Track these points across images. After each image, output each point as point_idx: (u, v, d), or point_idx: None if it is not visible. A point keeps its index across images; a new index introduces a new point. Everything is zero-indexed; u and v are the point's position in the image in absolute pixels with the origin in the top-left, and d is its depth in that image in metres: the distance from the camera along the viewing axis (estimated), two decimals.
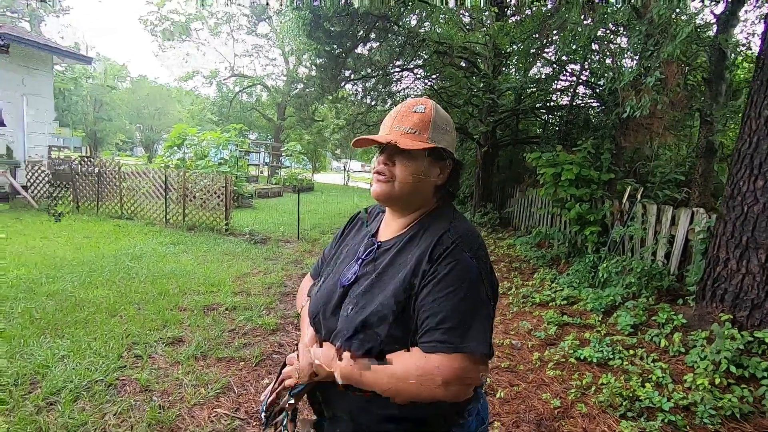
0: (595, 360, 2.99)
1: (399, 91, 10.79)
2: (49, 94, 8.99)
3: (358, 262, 0.99)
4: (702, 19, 5.95)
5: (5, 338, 2.76)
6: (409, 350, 0.85)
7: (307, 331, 1.00)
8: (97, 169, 7.66)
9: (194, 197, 7.21)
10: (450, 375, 0.79)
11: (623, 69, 4.47)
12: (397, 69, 9.62)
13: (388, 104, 10.38)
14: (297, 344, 1.06)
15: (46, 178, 7.84)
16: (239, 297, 3.98)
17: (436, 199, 1.00)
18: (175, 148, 11.38)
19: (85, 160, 9.31)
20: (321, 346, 0.93)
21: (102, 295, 3.67)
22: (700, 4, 6.46)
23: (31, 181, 7.85)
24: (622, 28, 5.94)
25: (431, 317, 0.83)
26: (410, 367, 0.81)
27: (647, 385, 2.61)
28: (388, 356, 0.85)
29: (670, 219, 4.20)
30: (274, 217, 9.21)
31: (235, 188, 8.84)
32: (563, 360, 3.03)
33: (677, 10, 3.61)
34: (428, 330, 0.83)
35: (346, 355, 0.87)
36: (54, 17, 25.55)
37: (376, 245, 1.00)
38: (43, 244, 5.18)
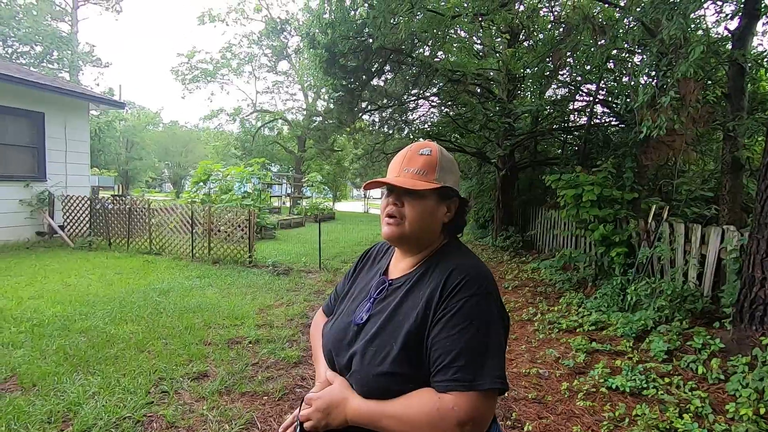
0: (627, 389, 2.86)
1: (415, 120, 10.98)
2: (86, 137, 9.56)
3: (371, 301, 1.01)
4: (717, 33, 5.91)
5: (41, 375, 2.86)
6: (422, 389, 0.85)
7: (322, 368, 1.03)
8: (128, 207, 8.01)
9: (219, 231, 7.42)
10: (466, 415, 0.79)
11: (639, 88, 4.44)
12: (413, 98, 9.84)
13: (405, 132, 10.57)
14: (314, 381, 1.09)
15: (84, 218, 8.23)
16: (262, 330, 4.02)
17: (444, 235, 1.03)
18: (201, 183, 11.81)
19: (117, 198, 9.75)
20: (331, 379, 0.96)
21: (131, 331, 3.78)
22: (714, 18, 6.42)
23: (68, 221, 8.26)
24: (637, 47, 5.95)
25: (444, 355, 0.83)
26: (425, 408, 0.81)
27: (685, 416, 2.48)
28: (401, 397, 0.85)
29: (699, 238, 4.06)
30: (297, 247, 9.34)
31: (258, 220, 9.05)
32: (594, 390, 2.91)
33: (689, 29, 3.61)
34: (441, 368, 0.83)
35: (359, 399, 0.88)
36: (91, 66, 27.40)
37: (387, 283, 1.03)
38: (77, 281, 5.40)
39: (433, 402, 0.81)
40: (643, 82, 5.66)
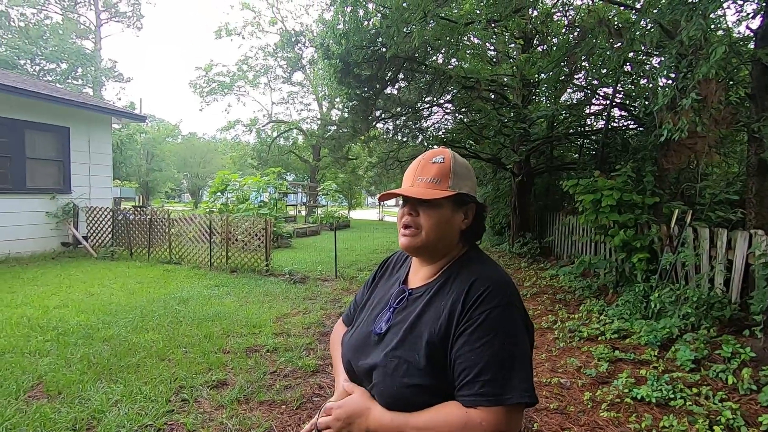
0: (653, 400, 2.77)
1: (429, 127, 10.99)
2: (109, 150, 9.85)
3: (390, 311, 1.00)
4: (739, 32, 5.77)
5: (66, 383, 2.93)
6: (448, 403, 0.84)
7: (342, 378, 1.02)
8: (148, 217, 8.19)
9: (236, 240, 7.52)
10: (493, 430, 0.77)
11: (658, 90, 4.36)
12: (426, 105, 9.86)
13: (419, 139, 10.59)
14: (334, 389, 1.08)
15: (106, 229, 8.45)
16: (280, 338, 4.04)
17: (464, 243, 1.02)
18: (219, 193, 12.01)
19: (138, 209, 9.99)
20: (350, 391, 0.95)
21: (152, 339, 3.84)
22: (735, 17, 6.27)
23: (91, 231, 8.49)
24: (654, 49, 5.85)
25: (469, 368, 0.82)
26: (452, 423, 0.80)
27: (716, 428, 2.39)
28: (427, 410, 0.84)
29: (725, 242, 3.94)
30: (312, 255, 9.39)
31: (274, 229, 9.14)
32: (618, 400, 2.83)
33: (709, 30, 3.53)
34: (467, 382, 0.81)
35: (381, 410, 0.87)
36: (113, 82, 28.32)
37: (407, 293, 1.01)
38: (100, 291, 5.53)
39: (460, 417, 0.80)
40: (661, 84, 5.56)
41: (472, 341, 0.83)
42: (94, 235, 8.48)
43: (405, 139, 10.76)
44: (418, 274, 1.04)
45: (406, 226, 0.97)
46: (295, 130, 24.28)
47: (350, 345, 1.04)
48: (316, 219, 17.19)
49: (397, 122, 10.24)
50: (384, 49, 7.04)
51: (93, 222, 8.50)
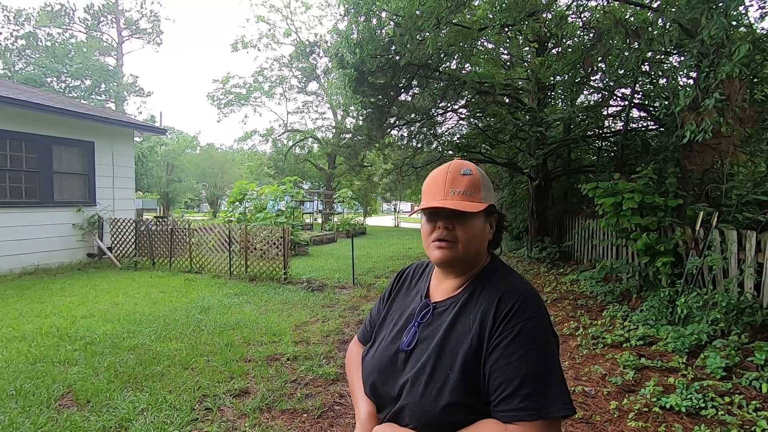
0: (683, 409, 2.68)
1: (444, 133, 10.98)
2: (132, 163, 10.13)
3: (416, 326, 0.97)
4: (762, 29, 5.62)
5: (94, 392, 3.00)
6: (485, 421, 0.82)
7: (362, 406, 0.98)
8: (170, 228, 8.37)
9: (255, 248, 7.62)
10: None
11: (678, 90, 4.26)
12: (441, 111, 9.85)
13: (434, 145, 10.57)
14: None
15: (129, 239, 8.68)
16: (300, 346, 4.06)
17: (487, 253, 1.01)
18: (237, 203, 12.21)
19: (160, 219, 10.22)
20: (378, 422, 0.91)
21: (175, 348, 3.91)
22: (758, 13, 6.12)
23: (116, 242, 8.72)
24: (673, 48, 5.74)
25: (506, 383, 0.81)
26: None
27: None
28: (462, 430, 0.82)
29: (755, 245, 3.81)
30: (330, 263, 9.44)
31: (291, 237, 9.23)
32: (646, 409, 2.75)
33: (731, 28, 3.45)
34: (505, 397, 0.80)
35: None
36: (135, 96, 29.18)
37: (431, 307, 0.99)
38: (125, 301, 5.67)
39: None
40: (682, 84, 5.44)
41: (507, 355, 0.82)
42: (118, 245, 8.71)
43: (420, 146, 10.75)
44: (441, 287, 1.02)
45: (440, 239, 0.94)
46: (310, 139, 24.54)
47: (373, 364, 1.00)
48: (332, 226, 17.29)
49: (412, 129, 10.25)
50: (398, 57, 7.08)
51: (117, 233, 8.73)
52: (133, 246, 8.66)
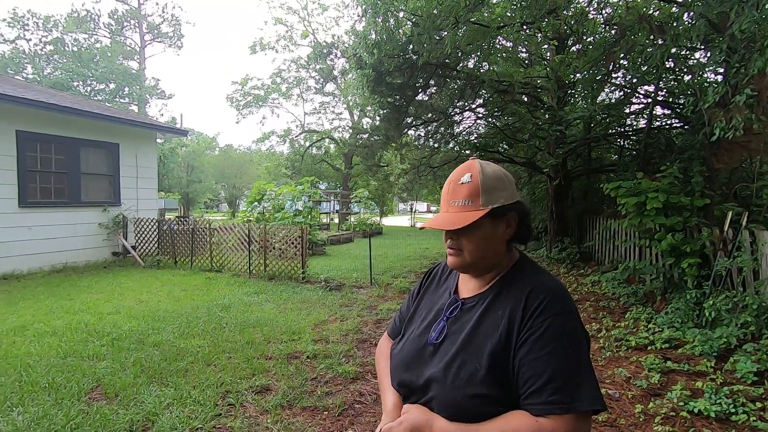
0: (712, 414, 2.61)
1: (461, 132, 10.91)
2: (155, 164, 10.38)
3: (445, 320, 0.99)
4: None
5: (122, 386, 3.09)
6: (515, 412, 0.83)
7: (389, 397, 1.00)
8: (191, 227, 8.55)
9: (273, 248, 7.71)
10: None
11: (706, 87, 4.15)
12: (458, 111, 9.80)
13: (451, 145, 10.52)
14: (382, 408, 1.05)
15: (153, 239, 8.90)
16: (319, 345, 4.10)
17: (513, 251, 1.01)
18: (256, 203, 12.38)
19: (181, 219, 10.44)
20: (404, 411, 0.93)
21: (198, 345, 3.99)
22: None
23: (139, 241, 8.95)
24: (699, 43, 5.58)
25: (535, 377, 0.81)
26: None
27: None
28: (494, 420, 0.83)
29: None
30: (347, 263, 9.48)
31: (309, 237, 9.31)
32: (673, 413, 2.69)
33: (763, 20, 3.34)
34: (535, 391, 0.81)
35: (445, 421, 0.86)
36: (156, 99, 29.88)
37: (460, 303, 1.01)
38: (149, 298, 5.81)
39: (531, 426, 0.79)
40: (709, 80, 5.29)
41: (536, 349, 0.83)
42: (142, 244, 8.94)
43: (437, 145, 10.72)
44: (469, 284, 1.03)
45: (449, 248, 0.98)
46: (327, 140, 24.71)
47: (402, 357, 1.02)
48: (349, 226, 17.38)
49: (429, 128, 10.22)
50: (415, 57, 7.07)
51: (140, 232, 8.96)
52: (156, 245, 8.87)
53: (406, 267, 8.91)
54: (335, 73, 22.28)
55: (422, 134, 10.66)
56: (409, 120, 9.47)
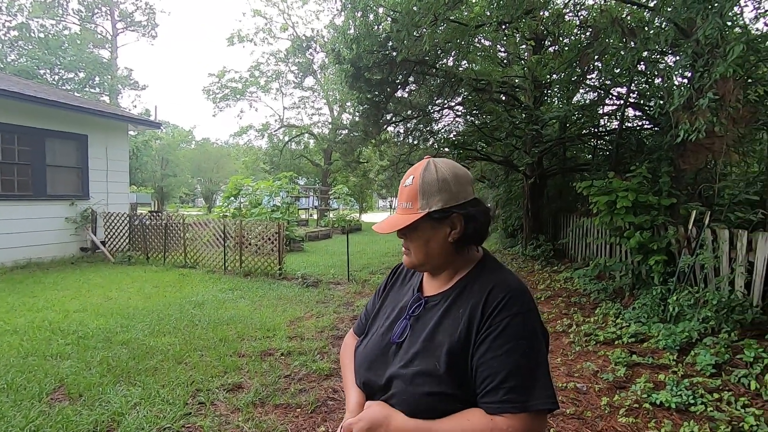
0: (673, 405, 2.72)
1: (440, 130, 10.97)
2: (126, 157, 10.05)
3: (407, 318, 1.00)
4: (757, 29, 5.65)
5: (87, 386, 2.99)
6: (472, 410, 0.84)
7: (352, 395, 1.01)
8: (164, 222, 8.33)
9: (250, 244, 7.60)
10: None
11: (673, 90, 4.29)
12: (437, 108, 9.84)
13: (430, 142, 10.56)
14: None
15: (123, 234, 8.62)
16: (294, 342, 4.07)
17: (466, 251, 0.99)
18: (232, 198, 12.16)
19: (155, 214, 10.16)
20: (366, 407, 0.94)
21: (169, 343, 3.90)
22: (753, 14, 6.16)
23: (109, 236, 8.67)
24: (669, 48, 5.76)
25: (492, 375, 0.82)
26: (477, 430, 0.81)
27: None
28: (450, 417, 0.84)
29: (746, 244, 3.85)
30: (325, 259, 9.43)
31: (286, 233, 9.21)
32: (636, 405, 2.79)
33: (726, 28, 3.47)
34: (491, 389, 0.82)
35: (403, 417, 0.86)
36: (129, 89, 28.90)
37: (423, 301, 1.01)
38: (118, 295, 5.64)
39: (486, 424, 0.80)
40: (677, 83, 5.47)
41: (494, 348, 0.84)
42: (112, 240, 8.66)
43: (416, 142, 10.74)
44: (433, 283, 1.04)
45: (403, 246, 1.02)
46: (306, 135, 24.48)
47: (365, 355, 1.03)
48: (327, 222, 17.28)
49: (408, 125, 10.23)
50: (395, 53, 7.05)
51: (110, 227, 8.67)
52: (126, 240, 8.61)
53: (384, 263, 8.93)
54: (315, 67, 22.08)
55: (401, 131, 10.66)
56: (388, 116, 9.46)
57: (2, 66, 23.07)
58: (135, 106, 30.50)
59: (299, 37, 21.55)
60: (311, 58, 21.86)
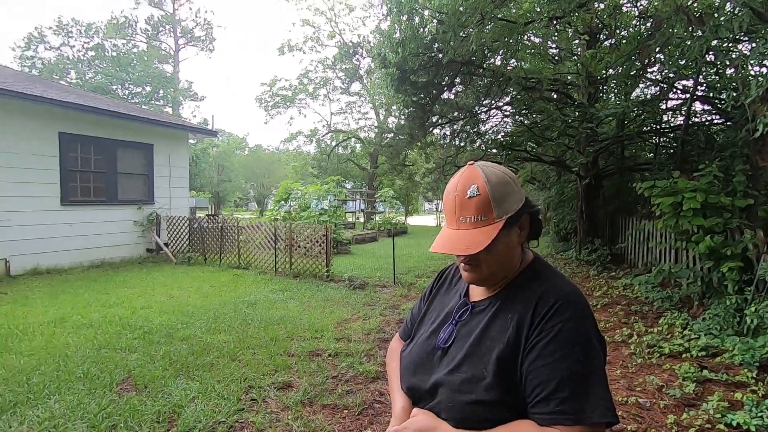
0: (753, 428, 2.46)
1: (488, 130, 10.73)
2: (186, 164, 10.73)
3: (454, 324, 0.97)
4: None
5: (151, 378, 3.20)
6: (521, 422, 0.80)
7: (398, 400, 0.98)
8: (220, 225, 8.78)
9: (299, 246, 7.82)
10: None
11: (749, 80, 3.91)
12: (484, 109, 9.64)
13: (477, 144, 10.36)
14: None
15: (184, 236, 9.20)
16: (341, 343, 4.12)
17: (524, 251, 0.97)
18: (282, 202, 12.59)
19: (211, 217, 10.75)
20: (413, 415, 0.91)
21: (224, 340, 4.09)
22: None
23: (171, 238, 9.27)
24: (742, 35, 5.27)
25: (543, 384, 0.78)
26: None
27: None
28: (498, 429, 0.80)
29: None
30: (371, 262, 9.51)
31: (334, 236, 9.39)
32: (708, 426, 2.55)
33: None
34: (542, 399, 0.77)
35: (449, 428, 0.84)
36: (189, 101, 30.88)
37: (470, 306, 0.98)
38: (179, 294, 6.00)
39: None
40: (753, 73, 4.98)
41: (545, 355, 0.79)
42: (174, 242, 9.26)
43: (462, 144, 10.58)
44: (480, 287, 1.00)
45: (464, 263, 0.93)
46: (353, 139, 24.86)
47: (410, 360, 1.01)
48: (374, 225, 17.42)
49: (455, 127, 10.10)
50: (440, 55, 7.00)
51: (172, 230, 9.28)
52: (186, 242, 9.17)
53: (430, 267, 8.85)
54: (361, 72, 22.40)
55: (447, 133, 10.54)
56: (434, 119, 9.39)
57: (81, 83, 25.49)
58: (194, 116, 32.54)
59: (346, 44, 21.98)
60: (357, 63, 22.21)
